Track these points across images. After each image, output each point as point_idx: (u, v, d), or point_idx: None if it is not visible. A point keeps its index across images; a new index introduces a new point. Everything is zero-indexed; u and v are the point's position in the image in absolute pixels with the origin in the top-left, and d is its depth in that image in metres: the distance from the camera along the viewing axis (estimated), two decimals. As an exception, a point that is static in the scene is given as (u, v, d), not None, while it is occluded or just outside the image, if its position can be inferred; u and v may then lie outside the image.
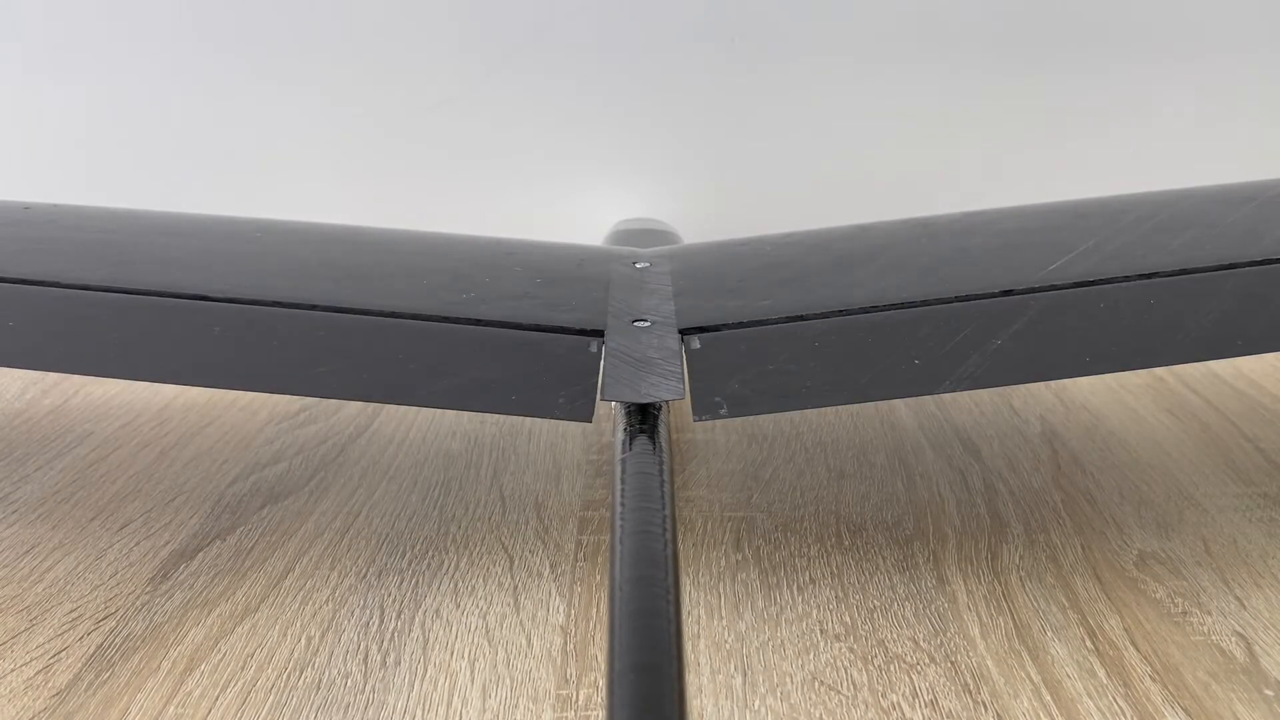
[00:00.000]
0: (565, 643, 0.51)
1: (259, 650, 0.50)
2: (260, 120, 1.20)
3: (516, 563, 0.58)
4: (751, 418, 0.78)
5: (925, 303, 0.54)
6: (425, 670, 0.49)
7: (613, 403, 0.52)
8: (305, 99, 1.19)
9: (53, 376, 0.90)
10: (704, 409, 0.50)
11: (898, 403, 0.81)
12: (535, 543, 0.60)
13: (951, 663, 0.48)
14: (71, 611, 0.54)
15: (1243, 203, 0.67)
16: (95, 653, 0.50)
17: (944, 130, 1.20)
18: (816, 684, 0.47)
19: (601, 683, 0.47)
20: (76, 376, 0.90)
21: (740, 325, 0.55)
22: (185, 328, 0.54)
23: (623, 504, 0.42)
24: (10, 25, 1.17)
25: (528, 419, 0.79)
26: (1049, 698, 0.46)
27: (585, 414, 0.50)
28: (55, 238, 0.67)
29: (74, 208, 0.76)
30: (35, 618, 0.53)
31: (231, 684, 0.48)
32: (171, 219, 0.74)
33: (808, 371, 0.51)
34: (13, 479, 0.70)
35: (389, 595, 0.55)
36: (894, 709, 0.45)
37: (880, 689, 0.47)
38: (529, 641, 0.51)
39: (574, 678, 0.48)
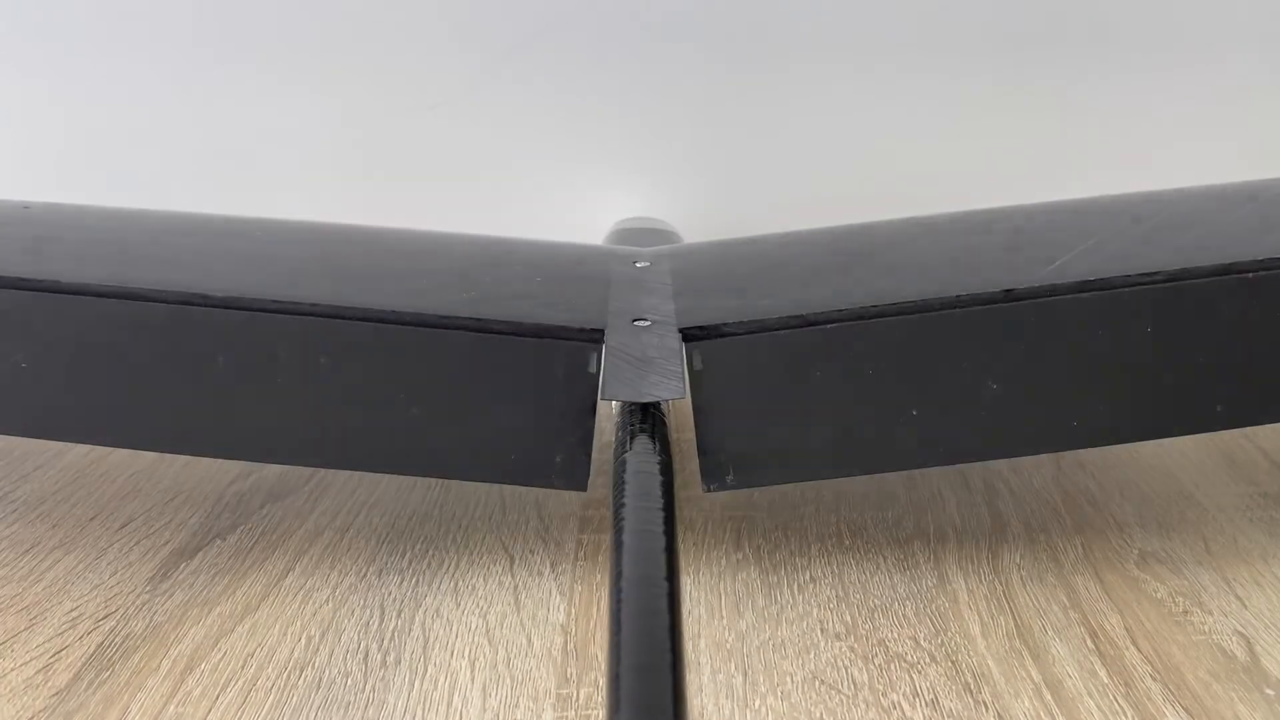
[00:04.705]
0: (566, 642, 0.51)
1: (259, 649, 0.50)
2: (260, 119, 1.20)
3: (517, 562, 0.58)
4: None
5: (925, 302, 0.54)
6: (425, 669, 0.48)
7: (613, 402, 0.53)
8: (305, 98, 1.19)
9: (53, 376, 0.90)
10: (712, 479, 0.52)
11: (898, 402, 0.81)
12: (535, 542, 0.60)
13: (952, 662, 0.48)
14: (71, 611, 0.54)
15: (1243, 203, 0.67)
16: (95, 652, 0.50)
17: (944, 130, 1.20)
18: (817, 683, 0.47)
19: (602, 682, 0.47)
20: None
21: (740, 325, 0.55)
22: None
23: (623, 503, 0.42)
24: (9, 24, 1.17)
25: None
26: (1050, 697, 0.46)
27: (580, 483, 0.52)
28: (55, 237, 0.67)
29: (74, 207, 0.76)
30: (35, 617, 0.53)
31: (232, 683, 0.48)
32: (171, 218, 0.74)
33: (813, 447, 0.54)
34: (12, 478, 0.70)
35: (389, 594, 0.55)
36: (894, 708, 0.45)
37: (881, 688, 0.47)
38: (529, 641, 0.51)
39: (574, 677, 0.48)
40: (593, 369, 0.53)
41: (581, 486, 0.53)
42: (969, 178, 1.21)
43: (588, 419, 0.53)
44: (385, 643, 0.51)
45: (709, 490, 0.53)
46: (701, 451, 0.53)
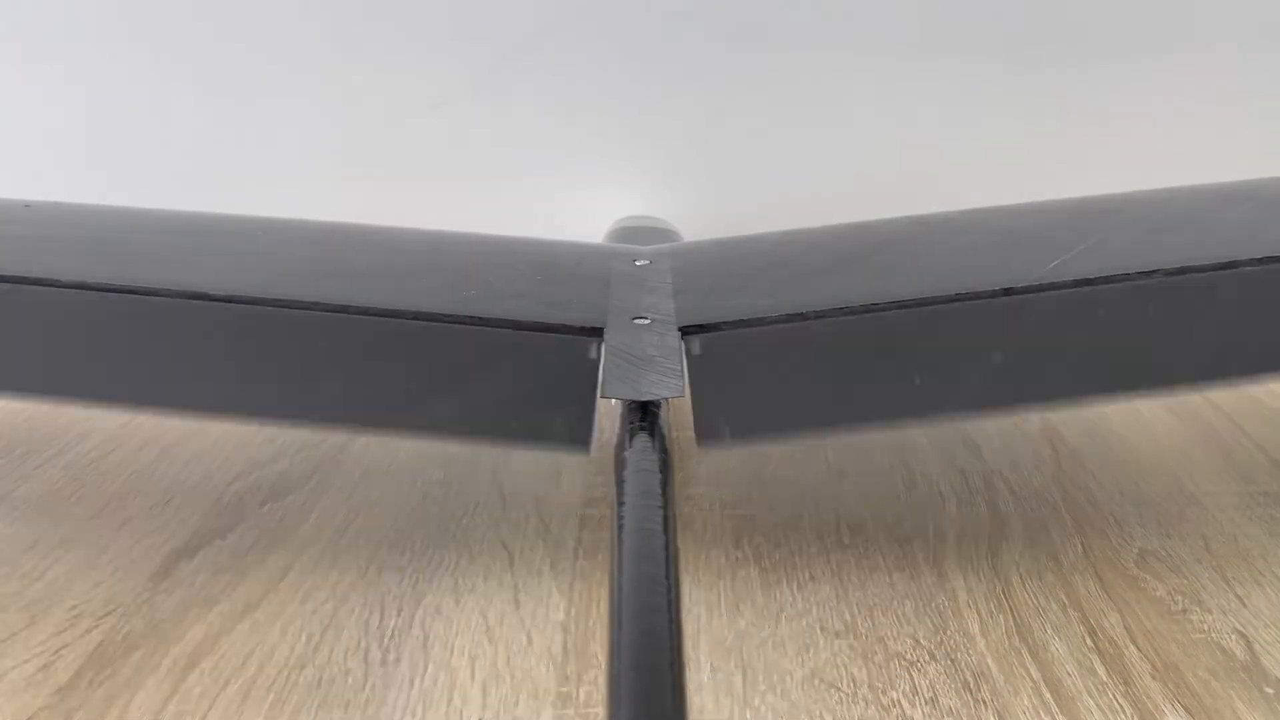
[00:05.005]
0: (565, 640, 0.51)
1: (259, 648, 0.50)
2: (260, 118, 1.20)
3: (517, 560, 0.58)
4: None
5: (925, 301, 0.54)
6: (425, 668, 0.49)
7: (613, 400, 0.52)
8: (306, 97, 1.19)
9: (53, 375, 0.90)
10: (708, 436, 0.51)
11: (898, 401, 0.81)
12: (535, 540, 0.60)
13: (951, 660, 0.48)
14: (72, 609, 0.54)
15: (1242, 201, 0.67)
16: (96, 650, 0.50)
17: (945, 130, 1.20)
18: (816, 681, 0.47)
19: (602, 680, 0.47)
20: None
21: (740, 323, 0.55)
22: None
23: (623, 501, 0.42)
24: (9, 22, 1.17)
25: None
26: (1049, 695, 0.46)
27: (584, 441, 0.51)
28: (55, 236, 0.68)
29: (74, 206, 0.76)
30: (36, 615, 0.53)
31: (232, 681, 0.48)
32: (172, 217, 0.74)
33: (811, 404, 0.52)
34: (13, 477, 0.70)
35: (389, 593, 0.55)
36: (894, 706, 0.45)
37: (880, 686, 0.47)
38: (529, 639, 0.51)
39: (574, 675, 0.48)
40: (593, 355, 0.53)
41: (585, 448, 0.52)
42: (969, 178, 1.21)
43: (590, 394, 0.53)
44: (385, 641, 0.51)
45: (704, 446, 0.52)
46: (697, 411, 0.52)
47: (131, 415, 0.81)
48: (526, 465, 0.70)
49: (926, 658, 0.49)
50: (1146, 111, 1.20)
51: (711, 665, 0.48)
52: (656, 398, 0.50)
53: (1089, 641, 0.50)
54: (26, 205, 0.75)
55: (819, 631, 0.51)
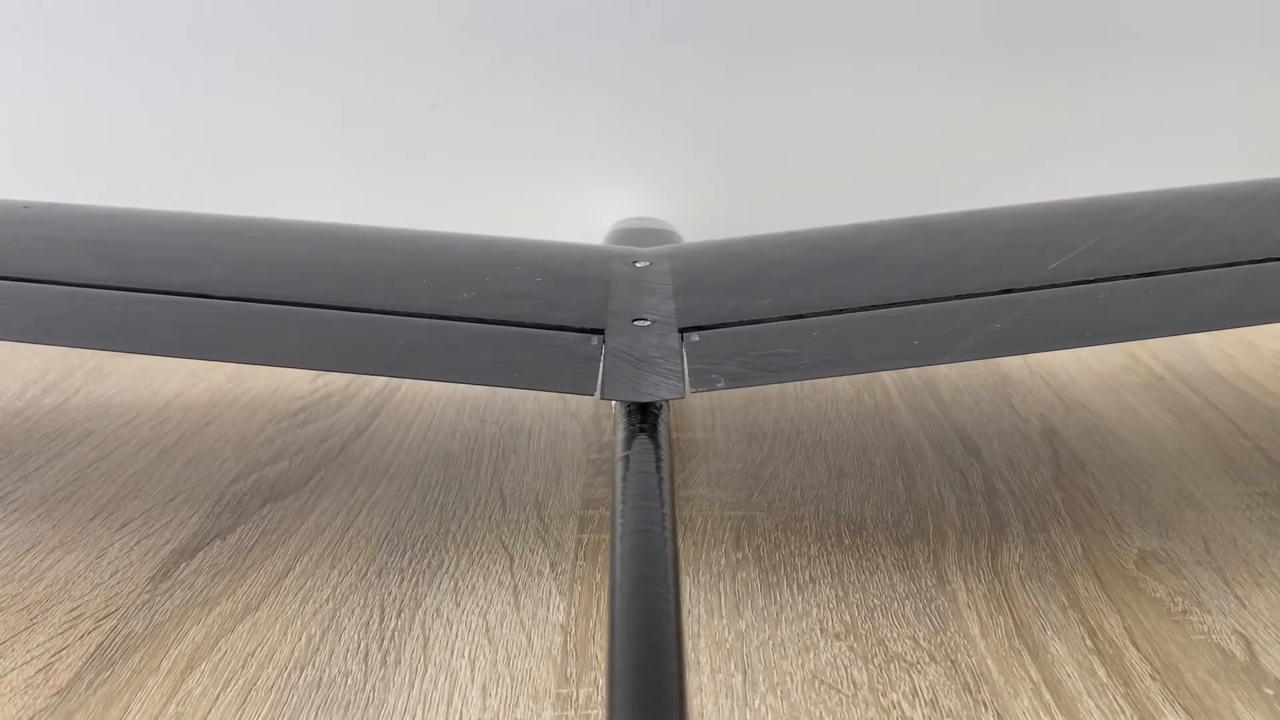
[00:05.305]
0: (565, 641, 0.51)
1: (259, 649, 0.50)
2: (260, 120, 1.20)
3: (517, 561, 0.58)
4: (752, 416, 0.78)
5: (925, 301, 0.54)
6: (425, 669, 0.49)
7: (613, 402, 0.52)
8: (305, 98, 1.19)
9: (53, 375, 0.90)
10: (700, 382, 0.50)
11: (898, 402, 0.81)
12: (535, 541, 0.60)
13: (952, 661, 0.48)
14: (72, 610, 0.54)
15: (1243, 202, 0.67)
16: (96, 651, 0.50)
17: (944, 130, 1.20)
18: (817, 683, 0.47)
19: (602, 681, 0.47)
20: (77, 376, 0.90)
21: (740, 324, 0.55)
22: (193, 314, 0.55)
23: (623, 502, 0.42)
24: (9, 23, 1.17)
25: (528, 418, 0.79)
26: (1049, 696, 0.46)
27: (588, 388, 0.50)
28: (55, 237, 0.68)
29: (74, 207, 0.76)
30: (36, 616, 0.53)
31: (232, 683, 0.48)
32: (171, 218, 0.74)
33: (806, 352, 0.52)
34: (13, 478, 0.70)
35: (389, 594, 0.55)
36: (894, 708, 0.45)
37: (880, 688, 0.47)
38: (529, 640, 0.51)
39: (574, 676, 0.48)
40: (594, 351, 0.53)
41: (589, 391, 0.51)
42: (969, 178, 1.21)
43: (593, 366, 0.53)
44: (385, 642, 0.51)
45: (697, 391, 0.52)
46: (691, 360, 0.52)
47: (131, 416, 0.81)
48: (526, 465, 0.70)
49: (926, 659, 0.49)
50: (1147, 111, 1.20)
51: (711, 666, 0.48)
52: (657, 399, 0.50)
53: (1089, 643, 0.50)
54: (26, 206, 0.75)
55: (819, 633, 0.51)
